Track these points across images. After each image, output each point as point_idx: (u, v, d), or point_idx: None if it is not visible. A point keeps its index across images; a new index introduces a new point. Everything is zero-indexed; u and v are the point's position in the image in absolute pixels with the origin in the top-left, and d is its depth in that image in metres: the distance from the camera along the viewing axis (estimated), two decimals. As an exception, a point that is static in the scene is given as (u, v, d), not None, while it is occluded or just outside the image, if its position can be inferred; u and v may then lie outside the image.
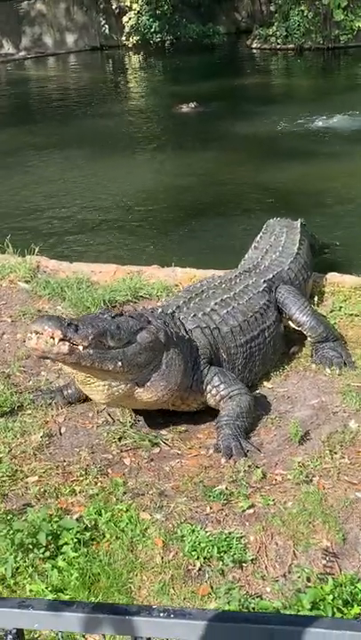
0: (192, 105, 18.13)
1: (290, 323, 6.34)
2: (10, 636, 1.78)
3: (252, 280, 6.33)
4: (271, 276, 6.47)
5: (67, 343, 4.55)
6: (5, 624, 1.81)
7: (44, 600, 2.07)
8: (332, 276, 7.45)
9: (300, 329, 6.31)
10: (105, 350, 4.76)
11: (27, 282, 7.50)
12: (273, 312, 6.20)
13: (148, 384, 5.05)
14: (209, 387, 5.41)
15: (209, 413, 5.60)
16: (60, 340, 4.53)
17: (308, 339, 6.31)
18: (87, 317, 5.03)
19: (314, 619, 1.68)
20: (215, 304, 5.88)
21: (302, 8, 25.50)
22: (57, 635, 1.96)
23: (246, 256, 7.15)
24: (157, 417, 5.60)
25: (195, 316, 5.69)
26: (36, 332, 4.53)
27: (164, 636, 1.73)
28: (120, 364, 4.83)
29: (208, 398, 5.45)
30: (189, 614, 1.59)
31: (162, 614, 1.57)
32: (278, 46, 26.56)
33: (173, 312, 5.62)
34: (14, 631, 1.78)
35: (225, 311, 5.84)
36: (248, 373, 5.87)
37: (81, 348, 4.61)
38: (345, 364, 6.04)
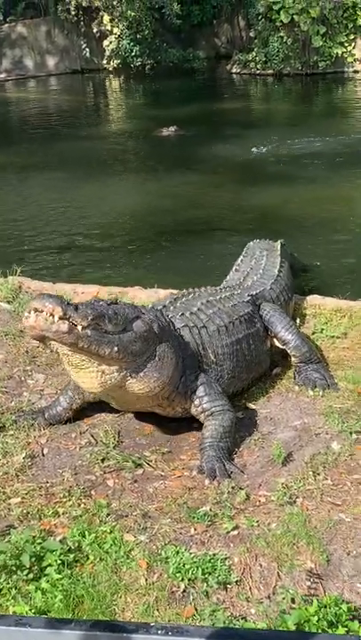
0: (172, 129, 18.25)
1: (275, 341, 6.38)
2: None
3: (237, 291, 6.42)
4: (255, 292, 6.53)
5: (66, 322, 4.53)
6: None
7: (41, 618, 2.05)
8: (314, 299, 7.51)
9: (284, 347, 6.35)
10: (102, 334, 4.74)
11: (8, 302, 7.49)
12: (258, 322, 6.25)
13: (142, 374, 5.01)
14: (194, 395, 5.40)
15: (192, 434, 5.61)
16: (60, 318, 4.51)
17: (292, 359, 6.34)
18: (85, 302, 4.99)
19: (310, 634, 1.68)
20: (201, 304, 5.93)
21: (281, 34, 25.85)
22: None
23: (228, 277, 7.19)
24: (140, 438, 5.60)
25: (182, 315, 5.72)
26: (36, 310, 4.50)
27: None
28: (116, 349, 4.79)
29: (191, 407, 5.44)
30: (187, 631, 1.59)
31: (159, 632, 1.57)
32: (258, 71, 26.88)
33: (161, 310, 5.62)
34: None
35: (211, 311, 5.89)
36: (236, 379, 5.89)
37: (80, 328, 4.58)
38: (328, 385, 6.08)
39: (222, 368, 5.75)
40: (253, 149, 16.22)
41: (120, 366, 4.90)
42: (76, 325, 4.58)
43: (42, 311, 4.49)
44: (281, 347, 6.37)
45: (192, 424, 5.63)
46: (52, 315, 4.50)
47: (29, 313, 4.53)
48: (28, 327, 4.62)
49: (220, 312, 5.94)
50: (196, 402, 5.41)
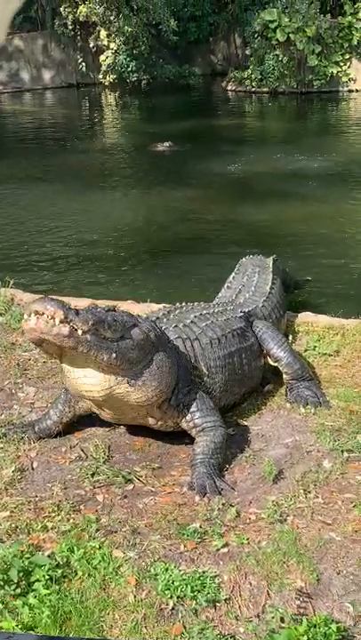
0: (167, 144, 18.32)
1: (268, 358, 6.36)
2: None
3: (230, 307, 6.43)
4: (247, 310, 6.53)
5: (67, 325, 4.52)
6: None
7: (31, 635, 2.02)
8: (306, 316, 7.51)
9: (276, 364, 6.34)
10: (101, 340, 4.73)
11: (0, 315, 7.46)
12: (251, 338, 6.25)
13: (140, 383, 5.00)
14: (186, 410, 5.38)
15: (183, 450, 5.58)
16: (61, 321, 4.49)
17: (284, 376, 6.33)
18: (84, 308, 4.98)
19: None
20: (195, 317, 5.93)
21: (277, 52, 26.01)
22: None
23: (220, 294, 7.19)
24: (131, 453, 5.57)
25: (175, 326, 5.72)
26: (36, 313, 4.49)
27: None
28: (114, 355, 4.78)
29: (182, 421, 5.42)
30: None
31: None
32: (253, 89, 27.04)
33: (154, 321, 5.61)
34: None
35: (204, 324, 5.89)
36: (228, 393, 5.88)
37: (80, 332, 4.58)
38: (320, 403, 6.06)
39: (214, 381, 5.74)
40: (248, 166, 16.29)
41: (117, 373, 4.89)
42: (76, 329, 4.56)
43: (42, 314, 4.49)
44: (273, 364, 6.36)
45: (183, 439, 5.61)
46: (52, 318, 4.49)
47: (29, 316, 4.52)
48: (27, 330, 4.58)
49: (213, 325, 5.94)
50: (188, 417, 5.39)
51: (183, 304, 6.33)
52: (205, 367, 5.70)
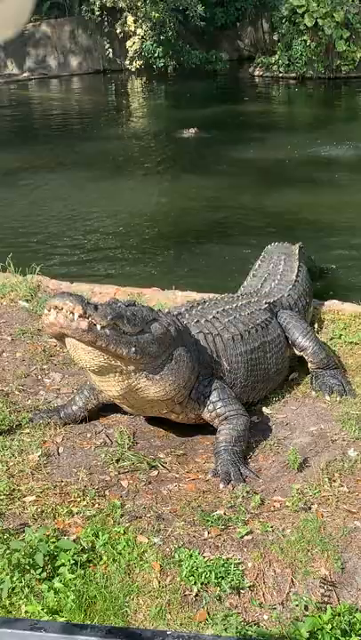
0: (193, 130, 18.26)
1: (293, 348, 6.34)
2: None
3: (254, 299, 6.39)
4: (272, 300, 6.50)
5: (86, 320, 4.53)
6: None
7: (56, 622, 2.04)
8: (332, 304, 7.47)
9: (301, 354, 6.32)
10: (120, 334, 4.74)
11: (27, 301, 7.51)
12: (276, 330, 6.22)
13: (158, 377, 5.00)
14: (207, 400, 5.38)
15: (207, 438, 5.59)
16: (80, 316, 4.52)
17: (309, 365, 6.31)
18: (104, 302, 4.98)
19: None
20: (217, 312, 5.91)
21: (305, 38, 25.78)
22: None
23: (245, 283, 7.16)
24: (155, 439, 5.59)
25: (197, 321, 5.71)
26: (56, 307, 4.51)
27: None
28: (133, 349, 4.78)
29: (204, 412, 5.42)
30: (204, 640, 1.57)
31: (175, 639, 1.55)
32: (280, 75, 26.86)
33: (177, 316, 5.61)
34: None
35: (227, 320, 5.86)
36: (250, 389, 5.86)
37: (99, 327, 4.59)
38: (345, 391, 6.04)
39: (236, 376, 5.72)
40: (274, 153, 16.20)
41: (137, 367, 4.89)
42: (95, 324, 4.58)
43: (62, 309, 4.51)
44: (299, 353, 6.34)
45: (207, 426, 5.61)
46: (72, 312, 4.51)
47: (49, 310, 4.55)
48: (47, 324, 4.62)
49: (235, 320, 5.91)
50: (210, 407, 5.39)
51: (207, 297, 6.33)
52: (227, 363, 5.68)
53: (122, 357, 4.77)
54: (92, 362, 4.78)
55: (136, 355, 4.82)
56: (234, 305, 6.12)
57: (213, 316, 5.84)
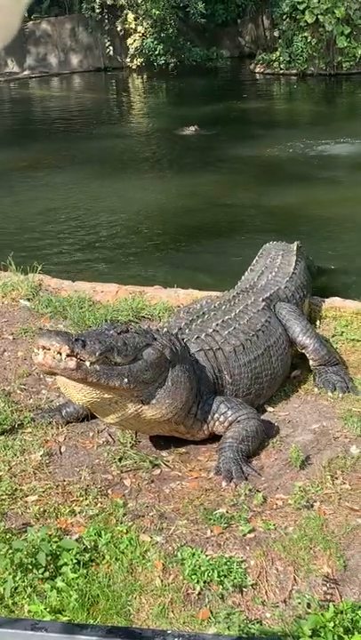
0: (194, 128, 18.24)
1: (294, 345, 6.33)
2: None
3: (250, 300, 6.35)
4: (268, 294, 6.48)
5: (74, 359, 4.51)
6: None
7: (57, 623, 2.04)
8: (334, 301, 7.46)
9: (302, 351, 6.31)
10: (111, 366, 4.72)
11: (28, 300, 7.52)
12: (277, 329, 6.20)
13: (154, 401, 4.97)
14: (216, 415, 5.35)
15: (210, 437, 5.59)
16: (68, 355, 4.50)
17: (311, 362, 6.30)
18: (93, 333, 4.95)
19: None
20: (217, 325, 5.87)
21: (306, 34, 25.76)
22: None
23: (243, 277, 7.16)
24: (158, 438, 5.59)
25: (197, 338, 5.68)
26: (43, 348, 4.50)
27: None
28: (126, 380, 4.76)
29: (216, 426, 5.38)
30: (204, 639, 1.57)
31: (176, 639, 1.55)
32: (281, 71, 26.85)
33: (177, 333, 5.61)
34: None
35: (227, 332, 5.82)
36: (254, 396, 5.82)
37: (88, 363, 4.57)
38: (348, 389, 6.04)
39: (238, 387, 5.69)
40: (275, 150, 16.17)
41: (131, 395, 4.87)
42: (84, 361, 4.56)
43: (49, 349, 4.49)
44: (300, 350, 6.33)
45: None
46: (59, 353, 4.48)
47: (38, 350, 4.52)
48: (37, 364, 4.67)
49: (235, 331, 5.86)
50: (221, 418, 5.36)
51: (204, 303, 6.35)
52: (229, 375, 5.65)
53: (115, 389, 4.75)
54: (84, 399, 4.79)
55: (129, 384, 4.79)
56: (232, 314, 6.06)
57: (213, 330, 5.79)
